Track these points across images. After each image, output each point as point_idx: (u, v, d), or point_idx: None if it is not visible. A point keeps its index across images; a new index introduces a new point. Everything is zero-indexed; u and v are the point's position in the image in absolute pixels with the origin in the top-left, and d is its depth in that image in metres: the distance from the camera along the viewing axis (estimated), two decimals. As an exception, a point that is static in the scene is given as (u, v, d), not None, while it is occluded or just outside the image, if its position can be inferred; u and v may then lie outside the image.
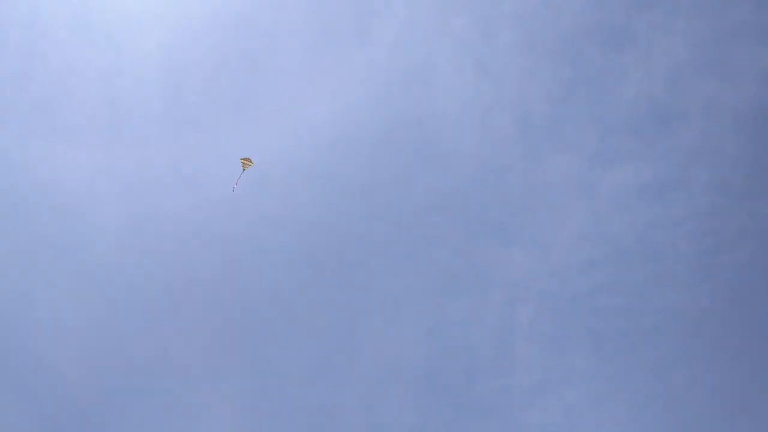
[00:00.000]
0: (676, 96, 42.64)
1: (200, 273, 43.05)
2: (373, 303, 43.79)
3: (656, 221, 42.34)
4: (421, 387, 43.54)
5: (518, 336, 43.18)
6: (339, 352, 44.05)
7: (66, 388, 41.48)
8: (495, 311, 43.43)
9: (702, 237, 42.14)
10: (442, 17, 42.79)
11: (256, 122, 44.40)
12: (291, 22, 44.52)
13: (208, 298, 43.07)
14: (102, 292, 41.93)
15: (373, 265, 44.05)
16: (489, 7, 42.32)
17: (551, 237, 43.15)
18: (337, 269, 44.19)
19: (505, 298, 43.39)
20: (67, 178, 43.21)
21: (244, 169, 28.92)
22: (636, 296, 42.39)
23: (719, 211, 42.37)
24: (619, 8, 41.52)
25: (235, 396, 44.05)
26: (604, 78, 41.14)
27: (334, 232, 43.98)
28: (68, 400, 41.59)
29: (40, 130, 43.69)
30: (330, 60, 44.55)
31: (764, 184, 41.38)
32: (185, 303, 42.76)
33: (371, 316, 43.93)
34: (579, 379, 42.67)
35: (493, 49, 41.98)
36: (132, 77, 42.30)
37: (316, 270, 44.31)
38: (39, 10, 42.75)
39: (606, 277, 42.78)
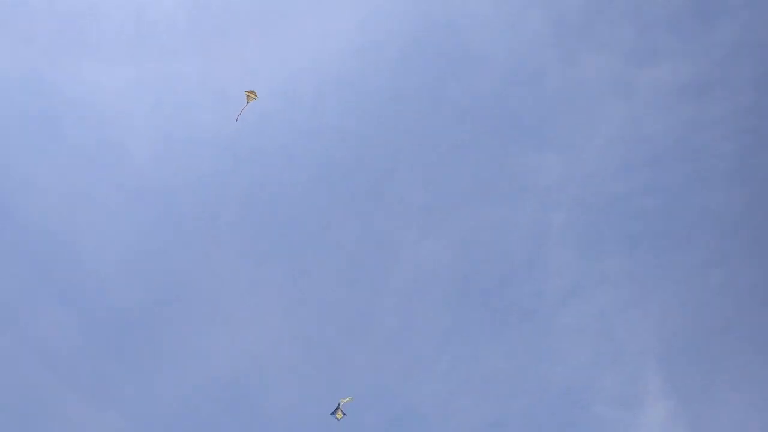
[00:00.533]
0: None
1: (234, 185, 43.46)
2: (407, 211, 43.95)
3: (695, 121, 41.26)
4: (455, 293, 44.12)
5: (552, 241, 43.19)
6: (374, 261, 44.65)
7: (111, 299, 42.95)
8: (529, 217, 43.34)
9: (742, 135, 41.07)
10: None
11: (283, 31, 43.74)
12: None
13: (243, 210, 43.64)
14: (140, 204, 42.75)
15: (405, 173, 43.99)
16: None
17: (586, 140, 42.44)
18: (368, 179, 44.24)
19: (539, 204, 43.20)
20: (98, 94, 43.40)
21: (248, 102, 28.39)
22: (673, 198, 41.82)
23: (761, 108, 41.07)
24: None
25: (273, 305, 45.18)
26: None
27: (365, 142, 43.82)
28: (114, 310, 43.13)
29: (69, 48, 43.64)
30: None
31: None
32: (221, 214, 43.43)
33: (405, 224, 44.19)
34: (613, 281, 42.78)
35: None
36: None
37: (348, 180, 44.42)
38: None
39: (643, 179, 42.17)
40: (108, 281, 43.12)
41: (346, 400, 28.37)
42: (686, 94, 41.08)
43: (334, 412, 29.39)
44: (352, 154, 44.65)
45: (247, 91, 29.15)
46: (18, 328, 42.01)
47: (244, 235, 44.32)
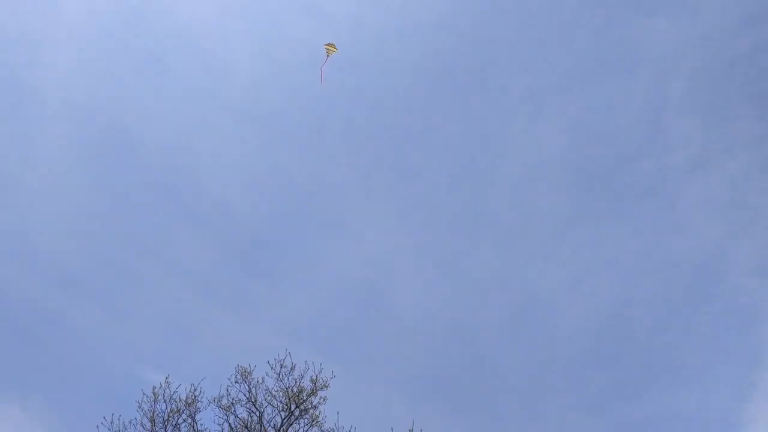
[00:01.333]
0: None
1: (336, 95, 43.57)
2: (511, 101, 42.78)
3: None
4: (570, 178, 43.09)
5: (672, 112, 40.94)
6: (482, 154, 44.13)
7: (237, 215, 45.02)
8: (643, 90, 41.11)
9: None
10: None
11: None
12: None
13: (347, 119, 43.93)
14: (250, 126, 43.91)
15: (506, 61, 42.53)
16: None
17: (700, -1, 39.20)
18: (468, 72, 43.15)
19: (653, 74, 40.79)
20: (195, 22, 44.14)
21: (328, 56, 27.66)
22: (805, 47, 38.28)
23: None
24: None
25: (389, 209, 45.93)
26: None
27: (460, 34, 42.46)
28: (240, 225, 45.26)
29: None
30: None
31: None
32: (327, 126, 43.94)
33: (510, 114, 43.14)
34: (742, 146, 40.30)
35: None
36: None
37: (448, 76, 43.52)
38: None
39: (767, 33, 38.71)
40: (233, 202, 45.16)
41: (330, 50, 27.95)
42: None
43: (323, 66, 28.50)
44: (448, 49, 43.53)
45: (327, 45, 28.60)
46: (161, 254, 44.93)
47: (352, 146, 44.87)
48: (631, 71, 40.85)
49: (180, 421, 17.04)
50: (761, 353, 37.20)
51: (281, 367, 17.44)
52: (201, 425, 17.18)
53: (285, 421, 17.19)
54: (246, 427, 17.16)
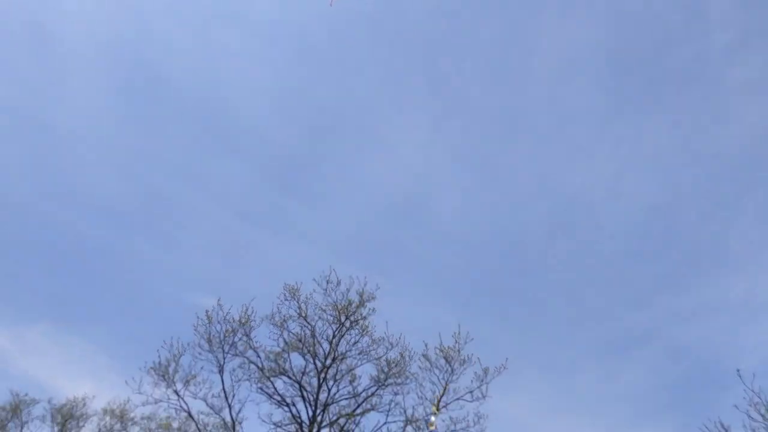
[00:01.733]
0: None
1: (358, 7, 42.11)
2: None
3: None
4: (606, 71, 41.48)
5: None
6: (513, 54, 42.63)
7: (269, 139, 44.99)
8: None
9: None
10: None
11: None
12: None
13: (372, 31, 42.64)
14: (272, 48, 43.04)
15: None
16: None
17: None
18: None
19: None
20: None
21: None
22: None
23: None
24: None
25: (421, 120, 45.22)
26: None
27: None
28: (274, 148, 45.31)
29: None
30: None
31: None
32: (351, 40, 42.80)
33: (540, 8, 41.20)
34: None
35: None
36: None
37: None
38: None
39: None
40: (264, 126, 44.99)
41: None
42: None
43: None
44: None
45: None
46: (199, 182, 45.53)
47: (379, 58, 43.74)
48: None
49: (236, 339, 17.63)
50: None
51: (327, 283, 17.67)
52: (256, 342, 17.74)
53: (336, 332, 17.62)
54: (300, 340, 17.65)
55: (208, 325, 17.69)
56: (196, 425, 18.14)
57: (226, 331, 17.63)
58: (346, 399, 17.90)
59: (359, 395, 17.79)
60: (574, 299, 41.42)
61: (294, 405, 17.65)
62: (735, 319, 35.35)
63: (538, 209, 43.84)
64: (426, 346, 17.05)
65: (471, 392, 16.80)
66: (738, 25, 39.12)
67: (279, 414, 17.79)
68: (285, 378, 17.76)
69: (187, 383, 17.56)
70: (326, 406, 17.60)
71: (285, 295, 17.87)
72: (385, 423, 17.37)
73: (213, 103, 44.10)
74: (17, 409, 23.30)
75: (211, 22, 42.35)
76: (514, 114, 42.83)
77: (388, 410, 17.48)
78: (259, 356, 17.77)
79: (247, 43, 42.82)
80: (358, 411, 17.78)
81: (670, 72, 39.87)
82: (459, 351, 16.93)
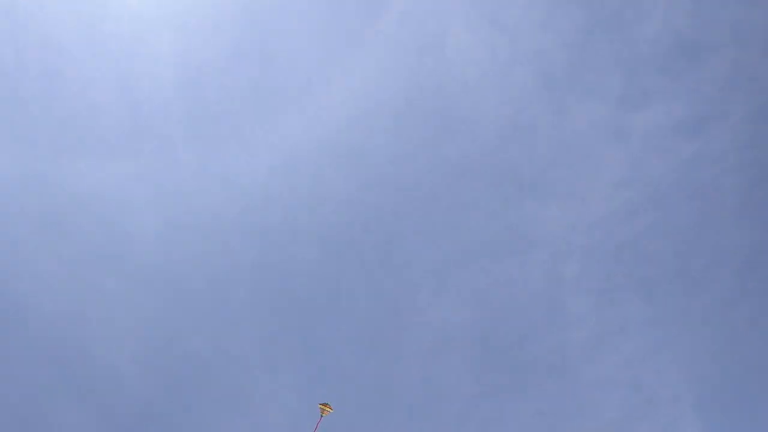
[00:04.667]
0: (702, 27, 40.97)
1: (242, 264, 43.47)
2: (416, 274, 43.66)
3: (695, 158, 41.07)
4: (474, 353, 43.40)
5: (567, 291, 42.61)
6: (389, 327, 44.17)
7: (127, 387, 42.52)
8: (540, 269, 42.87)
9: (746, 169, 40.74)
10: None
11: (276, 111, 44.37)
12: (297, 8, 44.08)
13: (253, 289, 43.53)
14: (150, 292, 42.73)
15: (411, 237, 43.87)
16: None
17: (587, 188, 42.27)
18: (375, 245, 44.14)
19: (548, 255, 42.78)
20: (100, 189, 43.92)
21: (322, 415, 27.24)
22: (683, 238, 41.33)
23: (761, 140, 40.87)
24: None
25: (293, 381, 44.58)
26: (623, 16, 39.75)
27: (368, 209, 43.87)
28: (131, 399, 42.66)
29: (69, 146, 44.37)
30: (341, 40, 44.05)
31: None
32: (231, 296, 43.31)
33: (416, 287, 43.84)
34: (634, 328, 41.95)
35: (504, 3, 40.92)
36: (149, 81, 42.57)
37: (355, 249, 44.33)
38: (52, 30, 43.14)
39: (649, 221, 41.79)
40: (124, 371, 42.85)
41: (326, 410, 26.42)
42: (683, 133, 41.02)
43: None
44: (356, 222, 44.71)
45: (321, 404, 27.84)
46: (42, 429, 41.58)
47: (255, 315, 44.12)
48: (528, 251, 42.86)
49: None
50: None
51: None
52: None
53: None
54: None
55: None
56: None
57: None
58: None
59: None
60: None
61: None
62: None
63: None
64: None
65: None
66: (592, 324, 42.72)
67: None
68: None
69: None
70: None
71: None
72: None
73: (75, 350, 42.00)
74: None
75: (90, 267, 42.10)
76: (386, 387, 43.15)
77: None
78: None
79: (119, 284, 42.35)
80: None
81: (534, 361, 42.37)
82: None
